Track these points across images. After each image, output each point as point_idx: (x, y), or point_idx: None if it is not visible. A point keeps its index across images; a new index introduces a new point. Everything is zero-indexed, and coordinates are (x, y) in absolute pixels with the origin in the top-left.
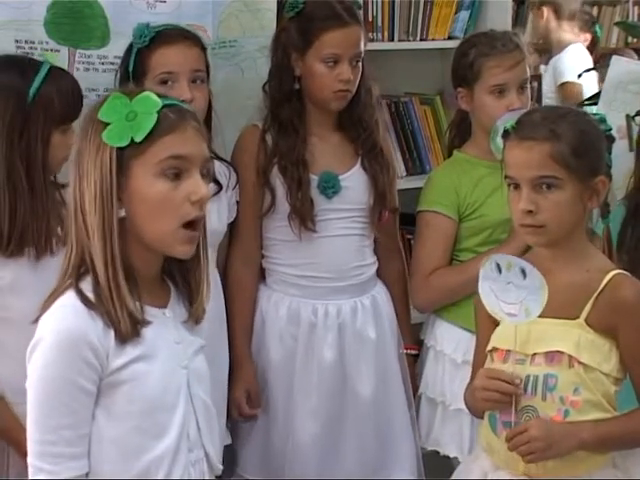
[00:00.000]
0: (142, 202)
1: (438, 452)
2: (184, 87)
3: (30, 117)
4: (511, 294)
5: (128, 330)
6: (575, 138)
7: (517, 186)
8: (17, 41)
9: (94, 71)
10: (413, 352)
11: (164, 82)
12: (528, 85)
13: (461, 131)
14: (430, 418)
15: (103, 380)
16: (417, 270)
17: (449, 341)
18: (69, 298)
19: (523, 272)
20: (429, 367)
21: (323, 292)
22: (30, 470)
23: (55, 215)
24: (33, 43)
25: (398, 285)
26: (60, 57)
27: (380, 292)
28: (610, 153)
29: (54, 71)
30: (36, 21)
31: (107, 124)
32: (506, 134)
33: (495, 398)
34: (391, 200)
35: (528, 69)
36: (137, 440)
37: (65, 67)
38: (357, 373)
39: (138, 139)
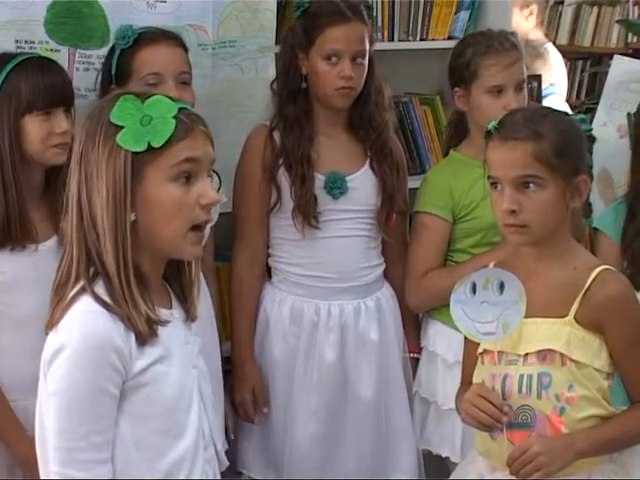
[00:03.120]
0: (155, 206)
1: (431, 452)
2: (171, 89)
3: None
4: (486, 313)
5: (146, 331)
6: (557, 138)
7: (500, 186)
8: (17, 41)
9: (94, 71)
10: (417, 356)
11: (150, 84)
12: (525, 85)
13: (458, 131)
14: (423, 418)
15: (126, 383)
16: (411, 271)
17: (441, 341)
18: (88, 303)
19: (501, 286)
20: (422, 367)
21: (326, 292)
22: (52, 477)
23: (59, 212)
24: (33, 43)
25: (403, 288)
26: (60, 57)
27: (386, 294)
28: (591, 154)
29: (32, 61)
30: (36, 21)
31: (119, 127)
32: (488, 134)
33: (479, 417)
34: (400, 202)
35: (525, 69)
36: (159, 442)
37: (65, 67)
38: (358, 374)
39: (157, 144)
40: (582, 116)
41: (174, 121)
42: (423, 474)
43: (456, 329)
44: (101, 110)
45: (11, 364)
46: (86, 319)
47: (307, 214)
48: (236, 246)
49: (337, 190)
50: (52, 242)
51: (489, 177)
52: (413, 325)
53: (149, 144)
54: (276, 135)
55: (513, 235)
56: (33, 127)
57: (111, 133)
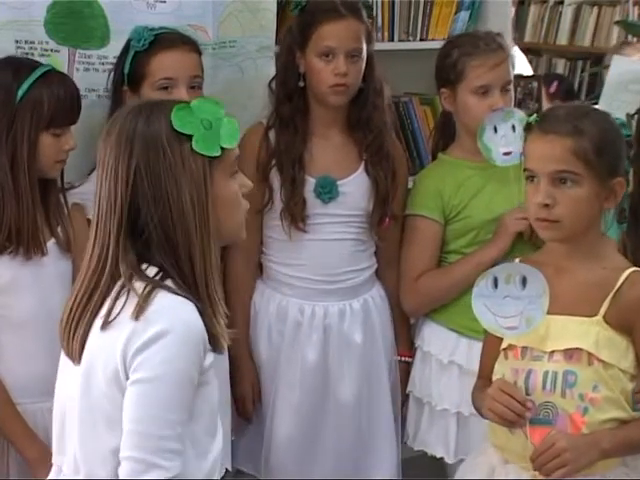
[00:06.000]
0: (223, 203)
1: (426, 453)
2: (183, 93)
3: (17, 117)
4: (509, 307)
5: (224, 344)
6: (597, 136)
7: (535, 179)
8: (17, 41)
9: (94, 71)
10: (407, 359)
11: (163, 88)
12: (511, 86)
13: (445, 133)
14: (417, 418)
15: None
16: (405, 274)
17: (436, 342)
18: (174, 296)
19: (523, 281)
20: (417, 367)
21: (311, 293)
22: (134, 466)
23: (56, 216)
24: (33, 43)
25: (396, 291)
26: (60, 57)
27: (375, 296)
28: (629, 158)
29: (51, 74)
30: (36, 21)
31: (184, 135)
32: (528, 127)
33: (502, 413)
34: (394, 206)
35: (511, 70)
36: (205, 440)
37: (65, 67)
38: (339, 375)
39: (231, 146)
40: (622, 120)
41: (235, 121)
42: (400, 476)
43: (450, 329)
44: (147, 122)
45: (11, 367)
46: (185, 309)
47: (295, 217)
48: (231, 245)
49: (327, 195)
50: (49, 246)
51: (525, 170)
52: (405, 328)
53: (221, 147)
54: (271, 135)
55: (544, 230)
56: (47, 143)
57: (178, 142)
